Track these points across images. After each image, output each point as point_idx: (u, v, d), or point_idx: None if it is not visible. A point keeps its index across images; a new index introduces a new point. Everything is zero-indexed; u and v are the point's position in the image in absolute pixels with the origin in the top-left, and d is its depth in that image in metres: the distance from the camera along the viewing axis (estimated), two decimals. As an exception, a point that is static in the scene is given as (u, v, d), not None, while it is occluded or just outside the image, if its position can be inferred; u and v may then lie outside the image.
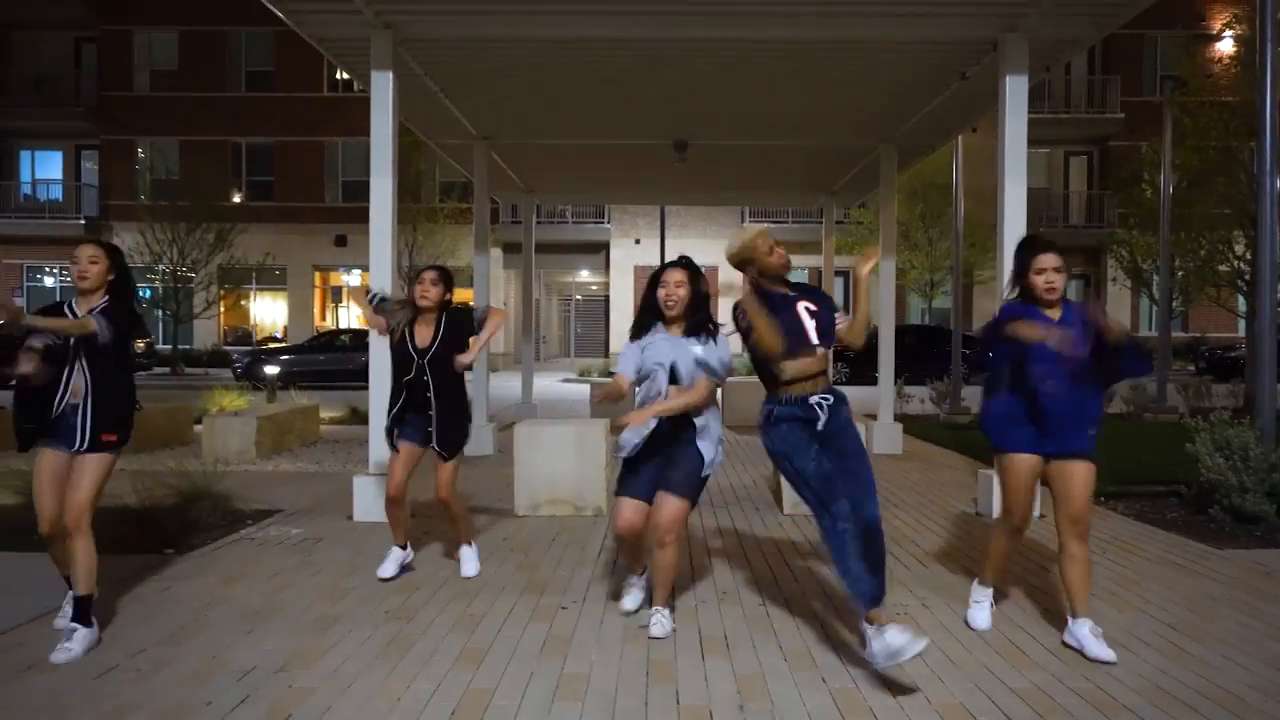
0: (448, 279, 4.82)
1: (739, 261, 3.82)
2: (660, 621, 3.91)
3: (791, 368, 3.65)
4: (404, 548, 4.94)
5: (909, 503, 7.09)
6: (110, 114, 30.25)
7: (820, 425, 3.60)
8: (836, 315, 3.83)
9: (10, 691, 3.31)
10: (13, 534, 5.55)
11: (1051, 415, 3.68)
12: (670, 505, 3.89)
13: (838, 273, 28.17)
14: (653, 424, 3.88)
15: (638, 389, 4.01)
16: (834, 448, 3.57)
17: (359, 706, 3.21)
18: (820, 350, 3.73)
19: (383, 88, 6.65)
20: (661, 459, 3.96)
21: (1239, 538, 5.81)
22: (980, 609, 4.08)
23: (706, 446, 3.96)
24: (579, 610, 4.31)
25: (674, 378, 3.89)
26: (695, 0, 6.48)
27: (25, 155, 31.60)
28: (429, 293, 4.71)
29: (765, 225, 4.39)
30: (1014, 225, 6.68)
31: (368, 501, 6.39)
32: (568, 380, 23.71)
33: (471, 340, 4.69)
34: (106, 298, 3.93)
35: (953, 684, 3.42)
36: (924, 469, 8.77)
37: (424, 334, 4.73)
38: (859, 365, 21.58)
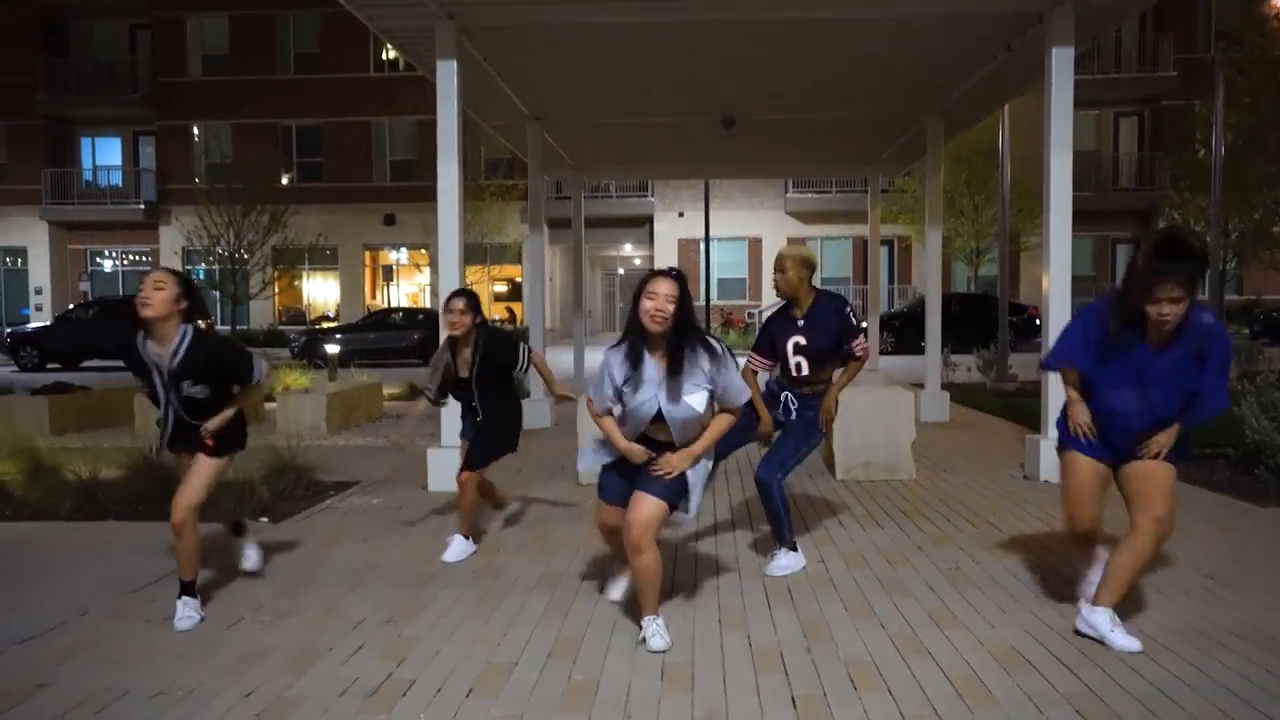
0: (475, 304, 4.97)
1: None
2: (657, 632, 3.52)
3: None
4: (468, 538, 4.99)
5: (958, 468, 7.34)
6: (166, 99, 31.05)
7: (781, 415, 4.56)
8: (855, 342, 4.45)
9: (157, 639, 3.74)
10: (123, 505, 6.05)
11: (1123, 433, 3.54)
12: (645, 505, 3.52)
13: (883, 242, 28.12)
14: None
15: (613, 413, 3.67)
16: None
17: (465, 649, 3.59)
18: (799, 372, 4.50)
19: (448, 76, 6.96)
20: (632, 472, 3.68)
21: (1283, 496, 5.99)
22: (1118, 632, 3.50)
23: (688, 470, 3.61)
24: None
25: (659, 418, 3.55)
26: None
27: (86, 142, 32.58)
28: (459, 322, 4.88)
29: (789, 250, 4.54)
30: (1060, 197, 6.84)
31: (441, 473, 6.79)
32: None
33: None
34: (186, 331, 3.83)
35: (1003, 628, 3.71)
36: (972, 436, 8.99)
37: (465, 360, 4.96)
38: (905, 334, 21.68)
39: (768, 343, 4.59)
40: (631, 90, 9.61)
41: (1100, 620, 3.50)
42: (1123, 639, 3.44)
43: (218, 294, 27.83)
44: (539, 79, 9.11)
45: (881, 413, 7.02)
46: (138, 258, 32.21)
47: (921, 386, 10.47)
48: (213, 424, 3.91)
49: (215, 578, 4.55)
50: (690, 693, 3.16)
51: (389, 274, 32.42)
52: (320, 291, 32.45)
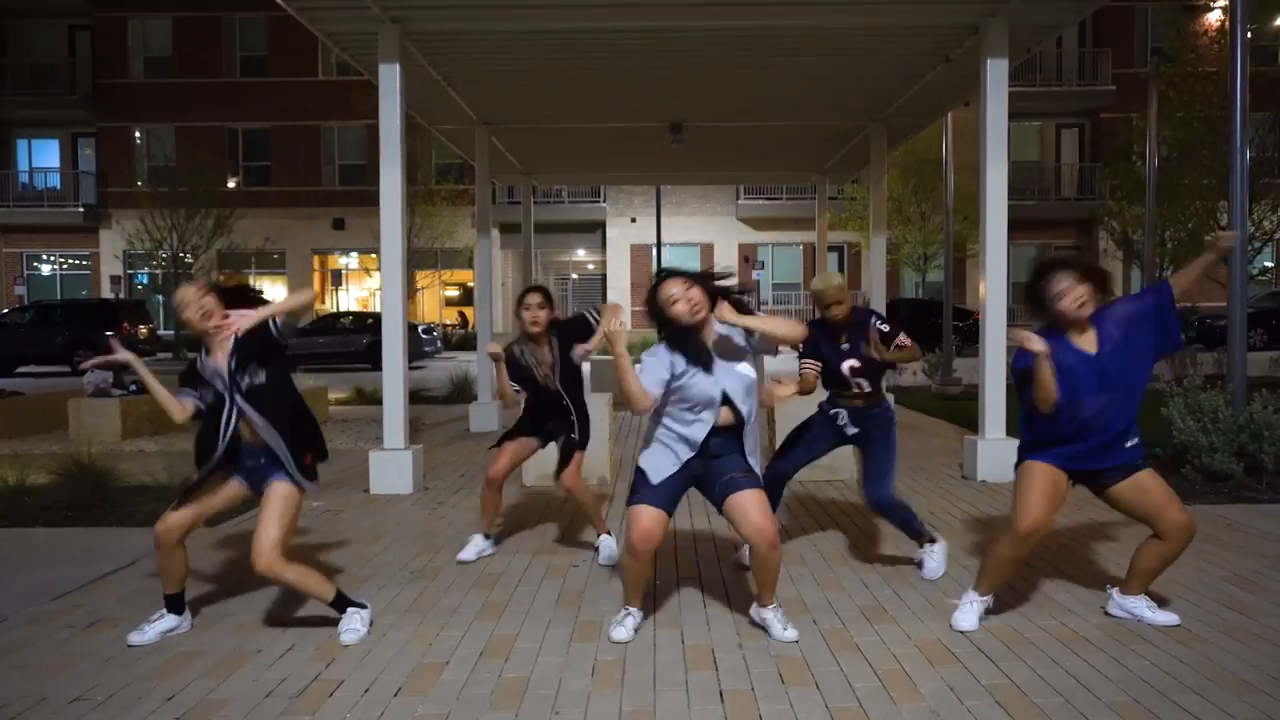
0: (550, 298, 4.74)
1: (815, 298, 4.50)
2: (785, 623, 3.61)
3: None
4: (487, 537, 4.91)
5: (899, 468, 7.38)
6: (106, 101, 30.39)
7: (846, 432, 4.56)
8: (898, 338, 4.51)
9: (77, 645, 3.66)
10: (51, 511, 5.91)
11: (1100, 442, 3.53)
12: (759, 501, 3.48)
13: (831, 248, 28.52)
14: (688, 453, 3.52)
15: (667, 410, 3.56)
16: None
17: (397, 650, 3.56)
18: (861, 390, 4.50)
19: (390, 80, 6.93)
20: (692, 477, 3.59)
21: (1208, 495, 6.17)
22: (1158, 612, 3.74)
23: (749, 452, 3.60)
24: (589, 568, 4.67)
25: (727, 401, 3.50)
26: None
27: (22, 144, 31.75)
28: (538, 318, 4.63)
29: (829, 278, 4.45)
30: (996, 204, 7.00)
31: (383, 476, 6.74)
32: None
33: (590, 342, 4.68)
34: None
35: (930, 621, 3.78)
36: (914, 437, 9.13)
37: (545, 361, 4.67)
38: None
39: (815, 355, 4.52)
40: (579, 96, 9.63)
41: (1138, 605, 3.73)
42: (1163, 616, 3.70)
43: (160, 298, 27.27)
44: (486, 84, 9.10)
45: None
46: (77, 261, 31.44)
47: (866, 391, 10.60)
48: (241, 322, 3.56)
49: (139, 582, 4.45)
50: (620, 690, 3.17)
51: (338, 279, 32.05)
52: (268, 296, 31.90)
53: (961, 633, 3.64)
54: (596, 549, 4.84)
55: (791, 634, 3.58)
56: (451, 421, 10.66)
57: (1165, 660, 3.36)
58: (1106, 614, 3.80)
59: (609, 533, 4.87)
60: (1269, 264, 26.59)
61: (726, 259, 30.89)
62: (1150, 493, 3.57)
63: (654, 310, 3.51)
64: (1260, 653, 3.41)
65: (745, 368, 3.53)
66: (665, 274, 3.53)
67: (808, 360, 4.51)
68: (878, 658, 3.43)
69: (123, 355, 3.76)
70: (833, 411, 4.56)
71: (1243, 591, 4.12)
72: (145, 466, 7.22)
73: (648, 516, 3.48)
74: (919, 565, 4.49)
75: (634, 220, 31.16)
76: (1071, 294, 3.45)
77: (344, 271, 31.95)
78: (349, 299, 31.72)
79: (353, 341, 21.56)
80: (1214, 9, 20.28)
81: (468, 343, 28.33)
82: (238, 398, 3.56)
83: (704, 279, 3.51)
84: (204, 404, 3.65)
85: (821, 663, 3.38)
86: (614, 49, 8.06)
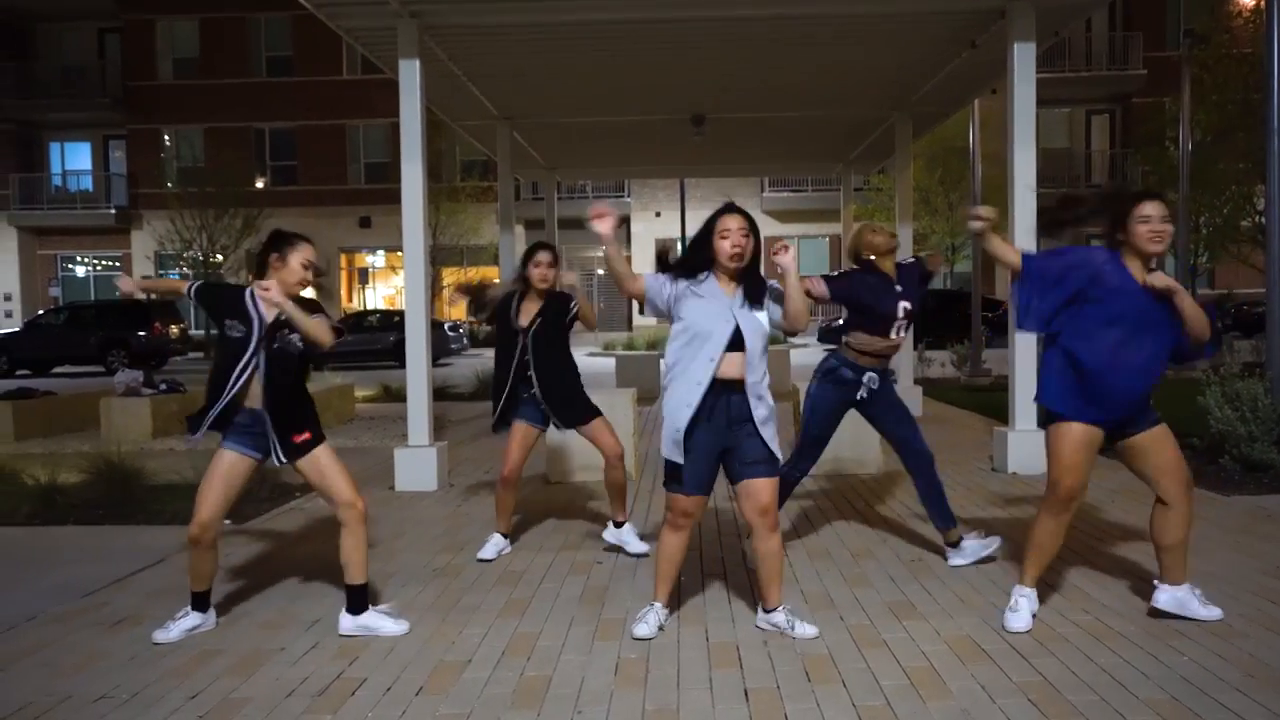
0: (558, 260, 4.75)
1: (853, 252, 4.44)
2: (800, 620, 3.57)
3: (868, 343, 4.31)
4: (506, 535, 4.84)
5: (927, 461, 7.33)
6: (136, 103, 30.74)
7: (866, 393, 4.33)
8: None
9: (103, 643, 3.67)
10: (81, 509, 5.96)
11: (1128, 390, 3.42)
12: (769, 486, 3.48)
13: (858, 240, 28.16)
14: (696, 396, 3.39)
15: (665, 360, 3.57)
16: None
17: (419, 648, 3.54)
18: (898, 335, 4.34)
19: (410, 75, 6.91)
20: (718, 450, 3.50)
21: (1246, 485, 6.03)
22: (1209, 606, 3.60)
23: (771, 438, 3.50)
24: (613, 565, 4.63)
25: (737, 343, 3.42)
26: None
27: (54, 147, 32.19)
28: (547, 276, 4.60)
29: (866, 222, 4.44)
30: (1024, 192, 6.86)
31: (408, 473, 6.74)
32: (593, 354, 24.02)
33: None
34: None
35: (960, 617, 3.71)
36: (943, 430, 9.01)
37: (529, 310, 4.65)
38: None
39: (848, 294, 4.29)
40: (600, 89, 9.58)
41: (1187, 596, 3.58)
42: (1208, 610, 3.56)
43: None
44: (506, 79, 9.07)
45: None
46: (109, 262, 31.86)
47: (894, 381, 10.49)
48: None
49: (166, 580, 4.47)
50: (643, 688, 3.13)
51: (364, 276, 32.24)
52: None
53: (1018, 633, 3.51)
54: (621, 542, 4.77)
55: (810, 630, 3.52)
56: (476, 418, 10.64)
57: (1204, 656, 3.27)
58: (1157, 611, 3.60)
59: (626, 522, 4.81)
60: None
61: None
62: (1168, 448, 3.52)
63: (701, 232, 3.51)
64: (1303, 649, 3.31)
65: (763, 315, 3.50)
66: (732, 207, 3.53)
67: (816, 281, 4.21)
68: (906, 655, 3.36)
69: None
70: (866, 376, 4.30)
71: (1284, 585, 4.01)
72: (174, 465, 7.27)
73: (687, 502, 3.52)
74: (959, 549, 4.39)
75: (658, 214, 31.09)
76: (1157, 226, 3.33)
77: (370, 270, 32.13)
78: (376, 297, 31.90)
79: (379, 339, 21.65)
80: (1248, -11, 19.86)
81: (494, 340, 28.41)
82: (260, 355, 3.59)
83: (758, 238, 3.52)
84: (236, 334, 3.65)
85: (848, 660, 3.32)
86: (634, 41, 8.00)
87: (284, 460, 3.69)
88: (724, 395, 3.43)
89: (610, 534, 4.80)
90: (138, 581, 4.50)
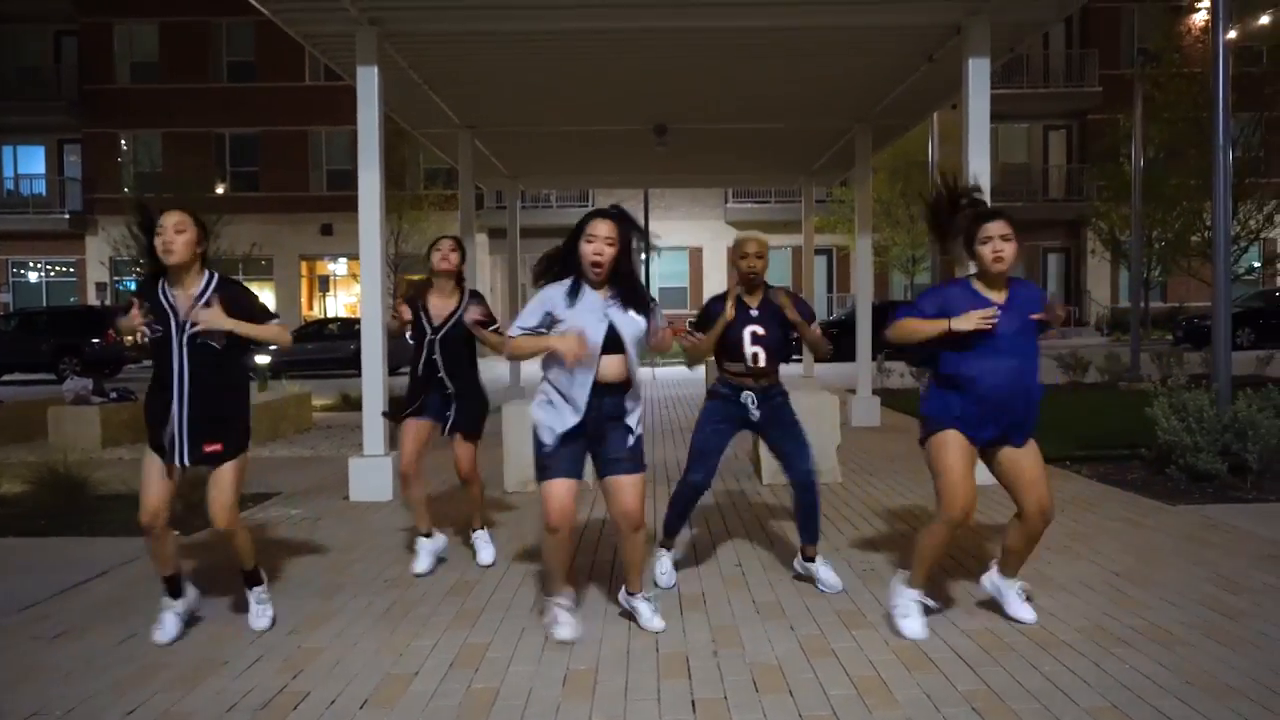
0: (463, 249, 4.71)
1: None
2: (656, 611, 3.74)
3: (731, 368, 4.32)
4: (430, 535, 4.73)
5: (884, 471, 7.40)
6: (92, 107, 30.24)
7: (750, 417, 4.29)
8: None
9: (43, 656, 3.58)
10: (23, 520, 5.82)
11: (992, 404, 3.50)
12: (634, 484, 3.55)
13: (818, 251, 28.48)
14: (582, 401, 3.46)
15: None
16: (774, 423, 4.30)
17: (366, 660, 3.50)
18: (755, 363, 4.26)
19: (368, 82, 6.86)
20: (588, 440, 3.56)
21: (1193, 494, 6.14)
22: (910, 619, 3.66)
23: (634, 423, 3.61)
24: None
25: (614, 345, 3.47)
26: (667, -8, 6.71)
27: (7, 151, 31.56)
28: (450, 258, 4.57)
29: (754, 234, 4.31)
30: (974, 192, 6.95)
31: (362, 483, 6.66)
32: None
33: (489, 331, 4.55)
34: (213, 276, 3.69)
35: (910, 628, 3.72)
36: (900, 440, 9.08)
37: (439, 307, 4.59)
38: (842, 342, 21.91)
39: (708, 324, 4.29)
40: (563, 98, 9.58)
41: (1008, 589, 3.76)
42: (1023, 611, 3.72)
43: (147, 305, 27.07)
44: (468, 87, 9.04)
45: (807, 417, 6.99)
46: (63, 268, 31.25)
47: (854, 392, 10.58)
48: (207, 315, 3.53)
49: (110, 592, 4.38)
50: (590, 699, 3.11)
51: (325, 284, 31.92)
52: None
53: (917, 640, 3.55)
54: (472, 548, 4.84)
55: (659, 624, 3.68)
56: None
57: (1145, 664, 3.31)
58: (977, 583, 3.87)
59: (482, 527, 4.87)
60: (1256, 264, 26.69)
61: (715, 262, 30.88)
62: (1033, 466, 3.57)
63: (572, 234, 3.52)
64: (1244, 656, 3.36)
65: (637, 315, 3.52)
66: (604, 211, 3.52)
67: (696, 334, 4.27)
68: (854, 664, 3.37)
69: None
70: (742, 396, 4.26)
71: (1226, 593, 4.08)
72: (122, 474, 7.14)
73: (561, 488, 3.49)
74: (815, 579, 4.28)
75: (623, 224, 31.09)
76: (998, 245, 3.45)
77: (331, 277, 31.83)
78: (337, 305, 31.59)
79: (339, 348, 21.45)
80: (1199, 9, 20.33)
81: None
82: (185, 346, 3.56)
83: (637, 229, 3.55)
84: (156, 332, 3.60)
85: (797, 670, 3.33)
86: (597, 50, 8.00)
87: (186, 464, 3.62)
88: (607, 395, 3.50)
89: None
90: (80, 593, 4.40)
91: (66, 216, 30.25)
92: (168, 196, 25.46)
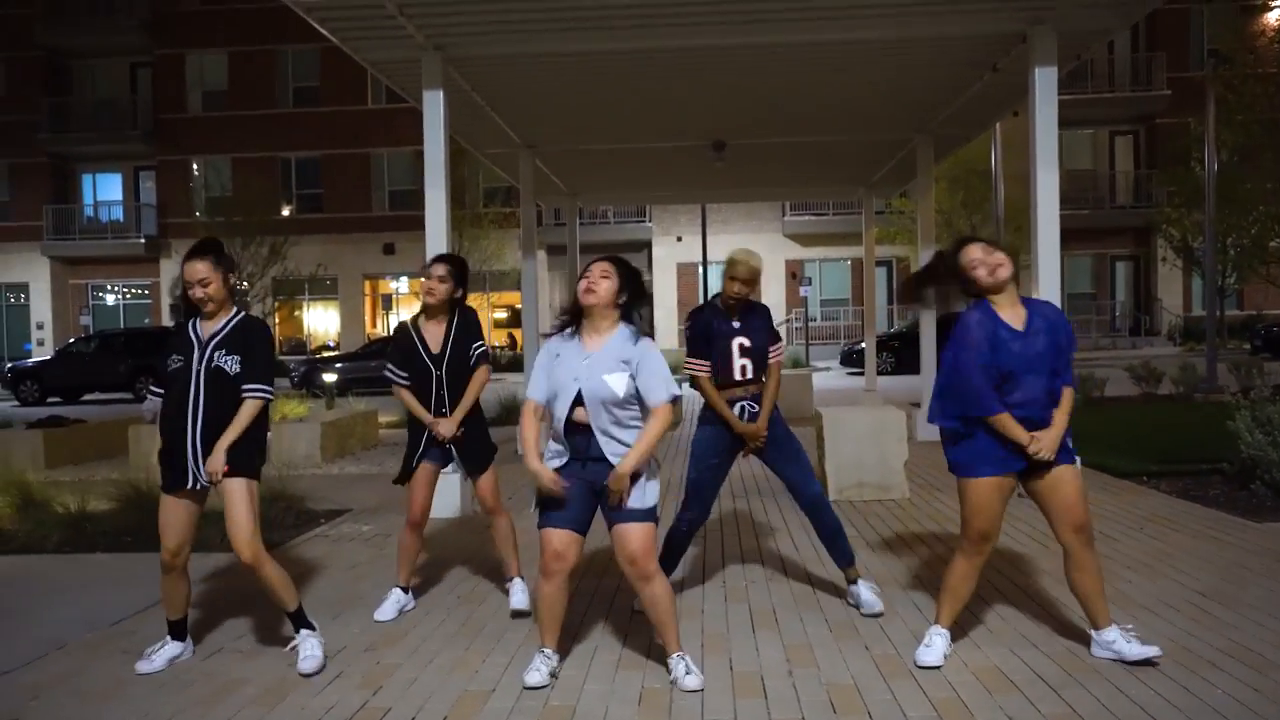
0: (459, 272, 4.37)
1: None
2: (690, 669, 3.36)
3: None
4: (406, 590, 4.43)
5: (951, 487, 7.25)
6: (166, 135, 31.31)
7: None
8: (771, 349, 4.30)
9: (132, 671, 3.69)
10: (110, 536, 6.03)
11: (1026, 420, 3.40)
12: (636, 532, 3.35)
13: (879, 263, 28.20)
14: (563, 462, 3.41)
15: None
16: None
17: (442, 678, 3.54)
18: (744, 375, 4.22)
19: (434, 106, 7.01)
20: (584, 487, 3.43)
21: (1278, 511, 5.93)
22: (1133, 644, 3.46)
23: (645, 476, 3.41)
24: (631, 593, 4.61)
25: (578, 400, 3.37)
26: (726, 10, 6.73)
27: (87, 179, 32.81)
28: (435, 290, 4.25)
29: (746, 256, 4.24)
30: (1048, 212, 6.86)
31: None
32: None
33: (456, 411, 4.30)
34: (239, 312, 3.75)
35: (988, 648, 3.66)
36: (923, 454, 8.93)
37: (434, 334, 4.31)
38: (904, 355, 21.65)
39: (703, 344, 4.22)
40: (622, 117, 9.67)
41: (1113, 637, 3.47)
42: (1140, 649, 3.42)
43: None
44: (529, 107, 9.17)
45: (873, 433, 6.99)
46: (138, 291, 32.33)
47: (918, 406, 10.44)
48: (225, 442, 3.58)
49: (195, 608, 4.50)
50: (667, 718, 3.11)
51: (388, 303, 32.52)
52: (320, 321, 32.53)
53: (928, 668, 3.44)
54: (507, 593, 4.44)
55: (693, 681, 3.32)
56: (500, 443, 10.66)
57: (1236, 688, 3.21)
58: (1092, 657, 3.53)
59: (522, 576, 4.42)
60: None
61: (773, 275, 30.73)
62: (1070, 487, 3.44)
63: (574, 284, 3.48)
64: (1340, 680, 3.24)
65: (615, 379, 3.32)
66: (610, 257, 3.48)
67: (695, 360, 4.20)
68: (933, 686, 3.32)
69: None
70: (735, 407, 4.18)
71: (1319, 614, 3.93)
72: (200, 492, 7.34)
73: (553, 537, 3.38)
74: (855, 604, 4.21)
75: (680, 239, 31.15)
76: (987, 260, 3.42)
77: (394, 295, 32.42)
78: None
79: (404, 364, 21.80)
80: (1273, 8, 19.75)
81: (517, 364, 28.49)
82: (200, 372, 3.62)
83: (627, 278, 3.43)
84: (176, 363, 3.68)
85: (874, 691, 3.29)
86: (654, 69, 8.07)
87: (202, 484, 3.63)
88: (580, 435, 3.39)
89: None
90: (156, 610, 4.53)
91: (142, 241, 31.31)
92: (237, 220, 26.29)
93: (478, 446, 4.42)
